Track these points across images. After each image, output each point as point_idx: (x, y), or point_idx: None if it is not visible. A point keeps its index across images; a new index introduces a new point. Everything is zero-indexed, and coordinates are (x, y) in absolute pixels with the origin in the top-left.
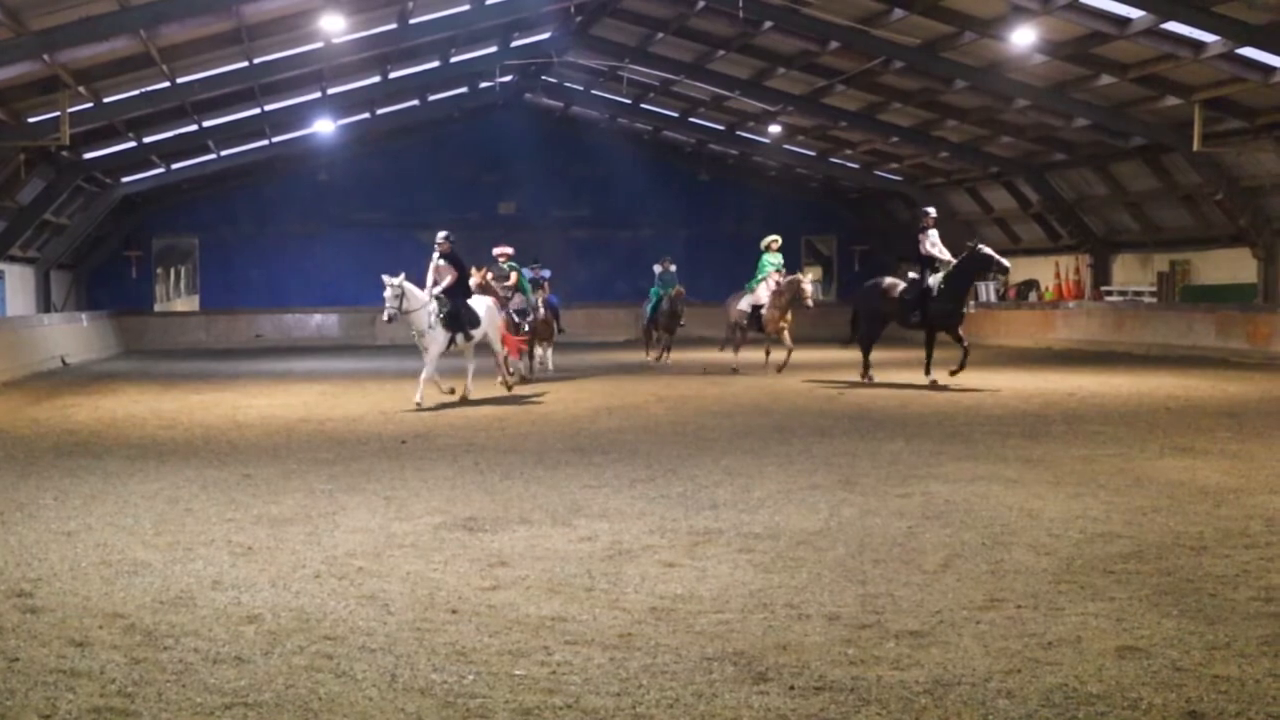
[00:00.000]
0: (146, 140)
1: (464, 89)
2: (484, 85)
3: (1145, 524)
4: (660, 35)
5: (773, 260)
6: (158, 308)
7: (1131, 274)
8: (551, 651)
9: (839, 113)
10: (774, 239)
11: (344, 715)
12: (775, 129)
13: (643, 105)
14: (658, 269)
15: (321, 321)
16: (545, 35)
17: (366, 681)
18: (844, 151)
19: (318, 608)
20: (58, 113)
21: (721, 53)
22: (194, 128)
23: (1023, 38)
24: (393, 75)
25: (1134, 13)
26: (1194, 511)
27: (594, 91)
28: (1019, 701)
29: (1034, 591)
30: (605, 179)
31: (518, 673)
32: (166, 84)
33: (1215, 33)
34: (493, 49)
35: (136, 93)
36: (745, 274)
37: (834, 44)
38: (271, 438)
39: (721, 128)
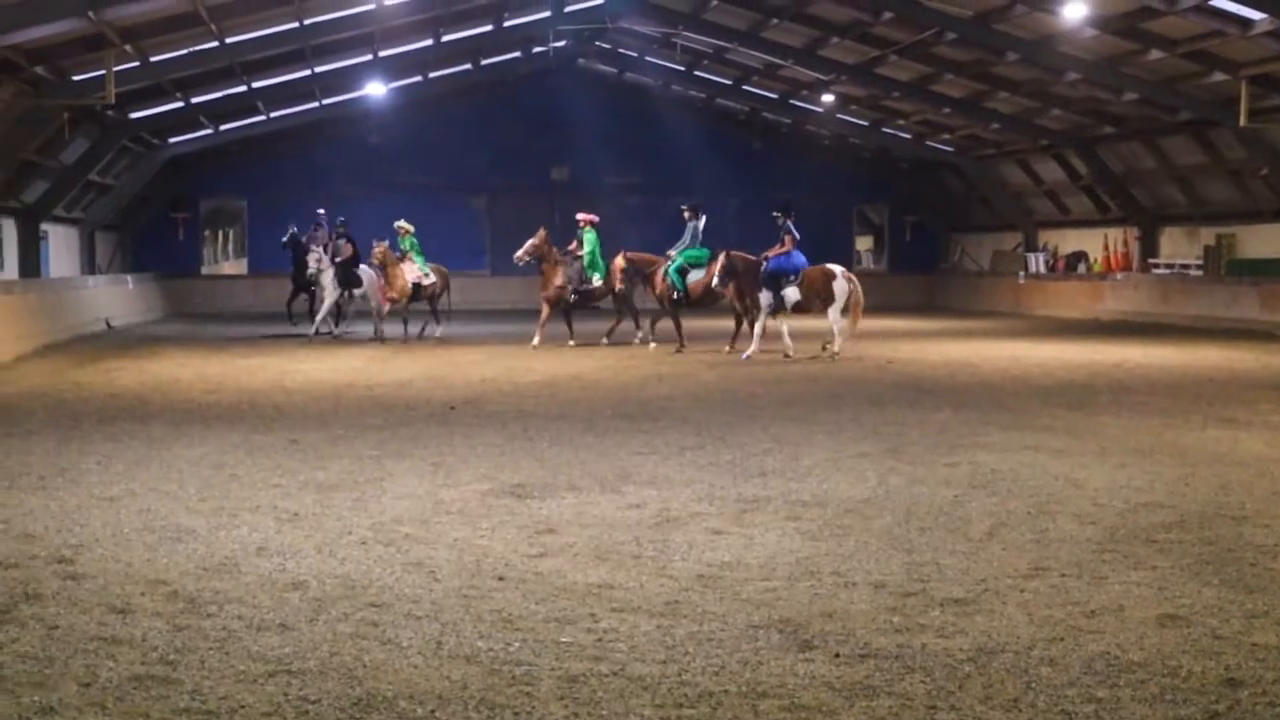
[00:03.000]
0: (194, 100)
1: (517, 53)
2: (537, 50)
3: (1188, 494)
4: (714, 2)
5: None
6: (205, 270)
7: (1178, 247)
8: (598, 619)
9: (891, 83)
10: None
11: (389, 683)
12: (828, 98)
13: (696, 72)
14: (693, 220)
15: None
16: (600, 1)
17: (412, 649)
18: (896, 122)
19: (363, 574)
20: (103, 71)
21: (775, 21)
22: (243, 88)
23: (1074, 11)
24: (445, 39)
25: None
26: (1236, 482)
27: (648, 58)
28: (1061, 669)
29: (1078, 560)
30: (658, 146)
31: (564, 640)
32: (215, 44)
33: (1263, 10)
34: (546, 13)
35: (184, 52)
36: (803, 242)
37: (887, 14)
38: (319, 403)
39: (775, 96)
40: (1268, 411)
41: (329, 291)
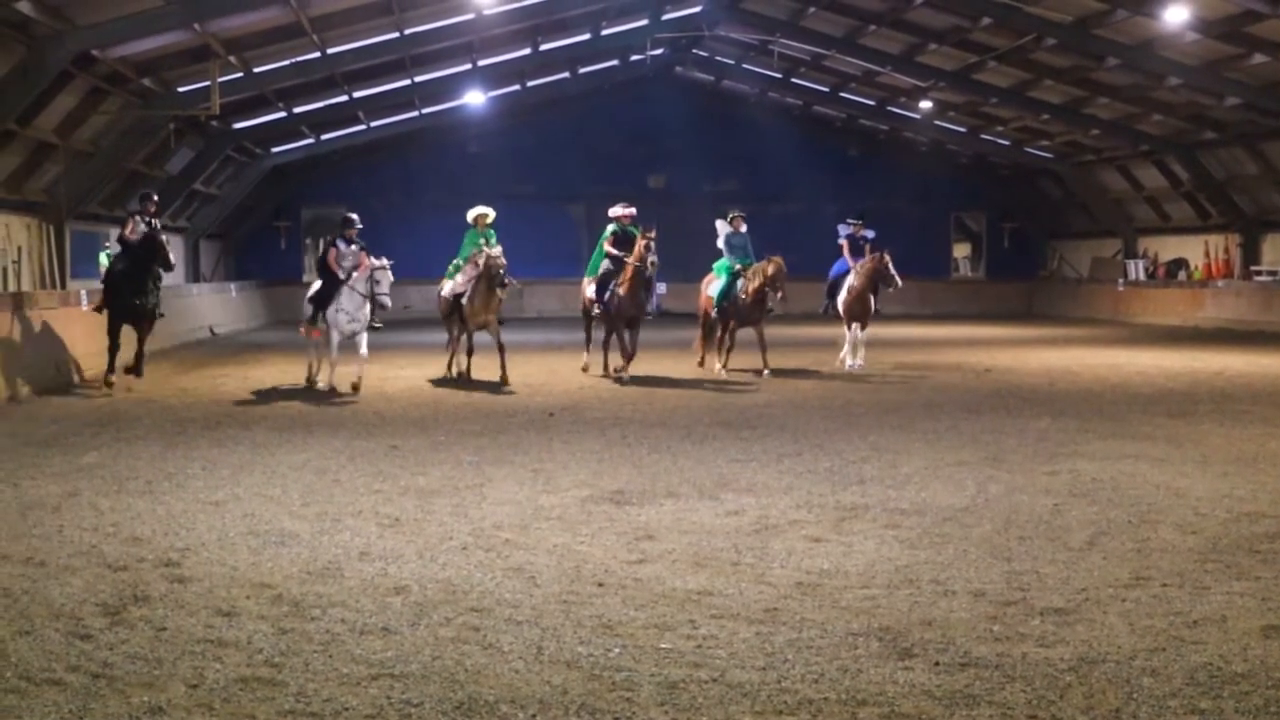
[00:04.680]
0: (296, 110)
1: (614, 62)
2: (634, 58)
3: None
4: (811, 9)
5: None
6: (306, 278)
7: None
8: (697, 625)
9: (990, 89)
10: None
11: (490, 687)
12: (926, 105)
13: (793, 79)
14: (725, 229)
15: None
16: (697, 8)
17: (513, 653)
18: (994, 128)
19: (464, 579)
20: (207, 82)
21: (873, 27)
22: (344, 98)
23: (1175, 15)
24: (543, 47)
25: None
26: None
27: (744, 65)
28: (1163, 680)
29: (1179, 570)
30: (754, 153)
31: (663, 646)
32: (317, 54)
33: None
34: (644, 21)
35: (287, 63)
36: (897, 248)
37: (986, 20)
38: (418, 409)
39: (872, 103)
40: None
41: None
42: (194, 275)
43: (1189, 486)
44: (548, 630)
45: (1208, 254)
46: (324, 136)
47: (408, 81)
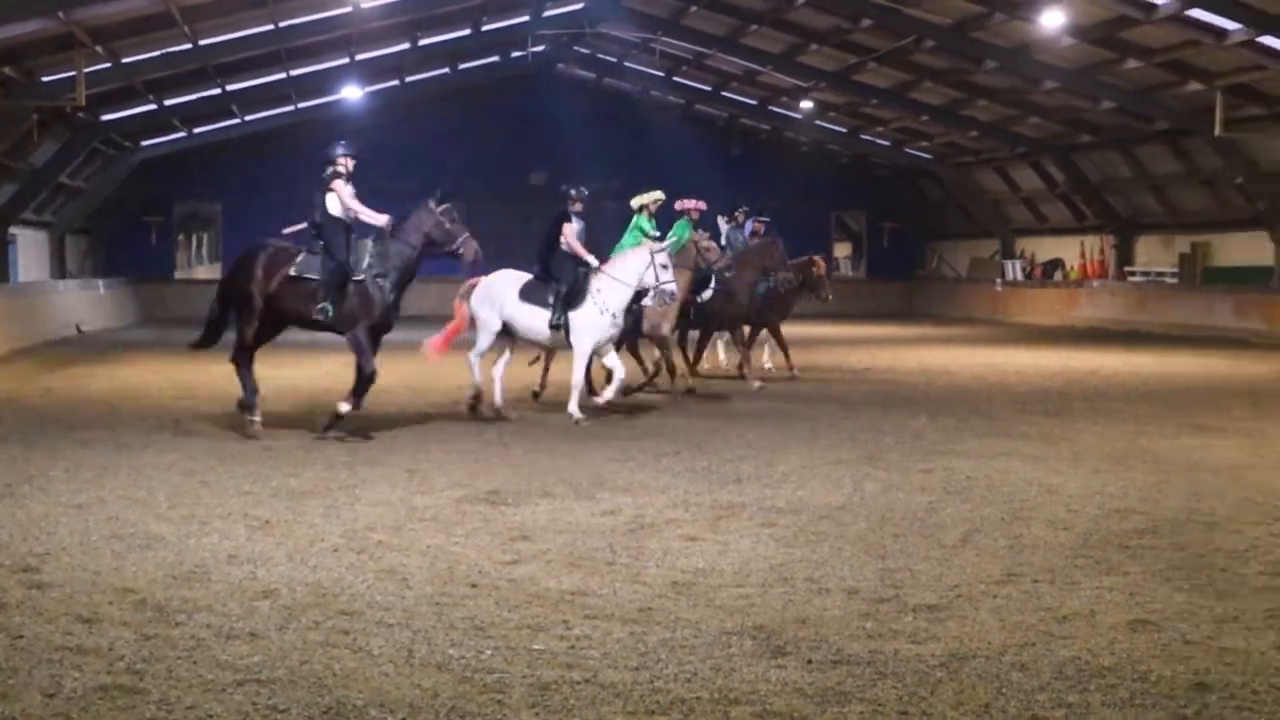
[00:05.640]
0: (168, 103)
1: (495, 58)
2: (516, 54)
3: (1161, 500)
4: (693, 8)
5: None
6: (178, 275)
7: (1154, 255)
8: (571, 626)
9: (870, 90)
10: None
11: (359, 691)
12: (807, 105)
13: (675, 78)
14: (725, 226)
15: None
16: (579, 5)
17: (383, 657)
18: (875, 128)
19: (335, 582)
20: (73, 72)
21: (754, 27)
22: (217, 91)
23: (1051, 20)
24: (423, 42)
25: None
26: (1208, 488)
27: (627, 63)
28: (1032, 674)
29: (1050, 566)
30: (637, 151)
31: (536, 647)
32: (188, 45)
33: (1237, 20)
34: (525, 18)
35: (157, 53)
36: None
37: (866, 21)
38: (293, 409)
39: (753, 102)
40: (1241, 418)
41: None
42: (59, 271)
43: (1061, 484)
44: (419, 633)
45: (1083, 255)
46: (196, 130)
47: (283, 75)
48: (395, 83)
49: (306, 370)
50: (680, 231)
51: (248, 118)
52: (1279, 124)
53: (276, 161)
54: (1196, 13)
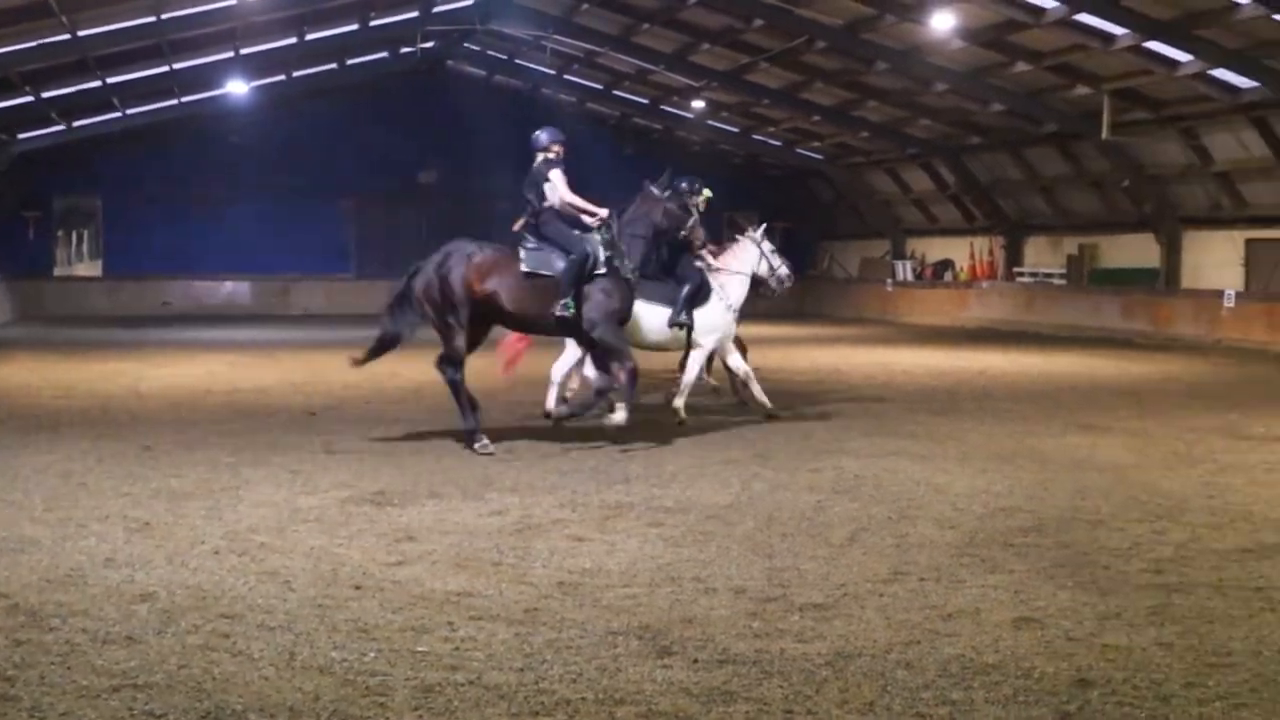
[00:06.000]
0: (45, 95)
1: (384, 53)
2: (405, 51)
3: (1046, 499)
4: (585, 5)
5: None
6: (57, 272)
7: (1042, 256)
8: (455, 627)
9: (762, 90)
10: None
11: (238, 695)
12: (699, 104)
13: (566, 76)
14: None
15: (233, 289)
16: (469, 1)
17: (264, 660)
18: (766, 129)
19: (215, 585)
20: None
21: (646, 26)
22: (97, 84)
23: (942, 22)
24: (310, 37)
25: (1048, 3)
26: (1093, 487)
27: (518, 61)
28: (917, 672)
29: (936, 564)
30: (528, 150)
31: (420, 649)
32: (67, 36)
33: (1124, 25)
34: (414, 14)
35: (33, 44)
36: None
37: (758, 21)
38: (175, 409)
39: (646, 102)
40: (1126, 418)
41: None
42: None
43: (949, 482)
44: (301, 635)
45: (973, 255)
46: (76, 123)
47: (166, 68)
48: (282, 78)
49: (187, 369)
50: None
51: (129, 111)
52: (1164, 128)
53: (160, 156)
54: (1084, 17)
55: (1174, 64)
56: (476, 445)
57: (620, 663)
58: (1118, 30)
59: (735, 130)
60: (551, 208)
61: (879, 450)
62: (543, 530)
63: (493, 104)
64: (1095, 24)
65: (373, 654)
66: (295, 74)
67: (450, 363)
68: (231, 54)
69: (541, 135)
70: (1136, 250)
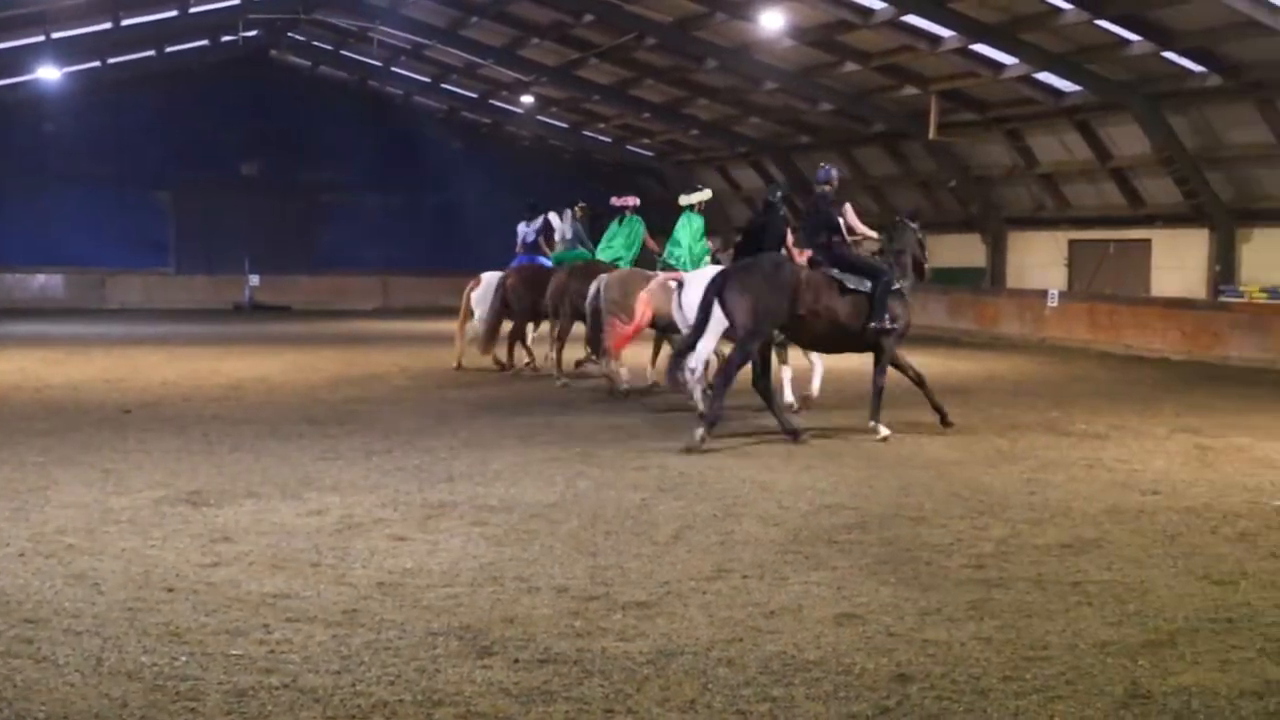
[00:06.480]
0: None
1: (205, 41)
2: (227, 39)
3: (870, 495)
4: None
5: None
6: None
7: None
8: (271, 630)
9: (592, 86)
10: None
11: (42, 703)
12: (528, 99)
13: (394, 69)
14: (559, 222)
15: (45, 282)
16: None
17: (69, 666)
18: (597, 125)
19: (20, 588)
20: None
21: (475, 19)
22: None
23: (772, 21)
24: (125, 22)
25: (877, 3)
26: (917, 483)
27: (343, 52)
28: (738, 669)
29: (760, 561)
30: (354, 143)
31: (234, 652)
32: None
33: (951, 28)
34: (235, 1)
35: None
36: (498, 244)
37: (588, 17)
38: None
39: (475, 95)
40: (950, 415)
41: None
42: None
43: (774, 480)
44: (109, 640)
45: (802, 253)
46: None
47: None
48: (96, 64)
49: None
50: (634, 226)
51: None
52: (990, 130)
53: None
54: (912, 19)
55: (1000, 67)
56: (800, 437)
57: (440, 664)
58: (945, 32)
59: (565, 126)
60: (840, 235)
61: (705, 448)
62: (363, 530)
63: (318, 96)
64: (923, 26)
65: (184, 658)
66: (111, 60)
67: (745, 364)
68: (42, 38)
69: (831, 170)
70: (963, 250)
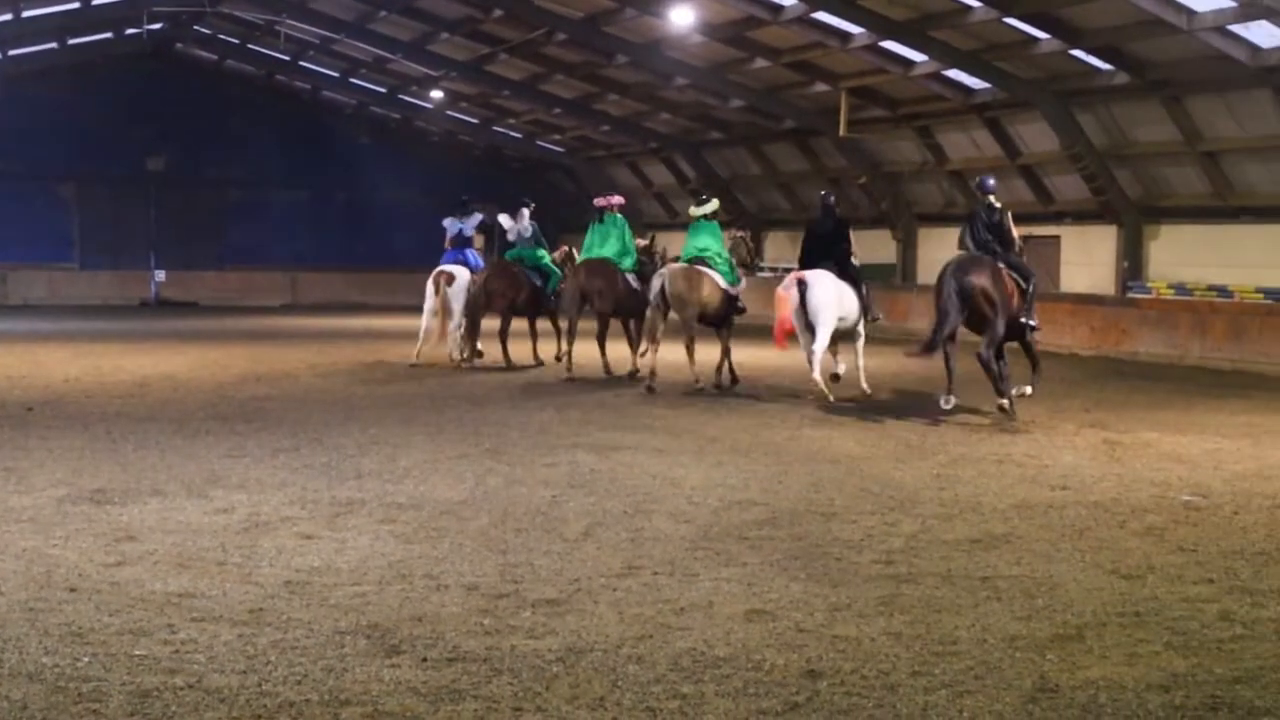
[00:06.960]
0: None
1: (109, 34)
2: (131, 31)
3: (781, 492)
4: None
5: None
6: None
7: (783, 250)
8: (176, 629)
9: (502, 81)
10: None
11: None
12: (438, 94)
13: (302, 63)
14: (507, 220)
15: None
16: None
17: None
18: (507, 120)
19: None
20: None
21: (384, 13)
22: None
23: (682, 17)
24: (26, 14)
25: (786, 0)
26: (827, 479)
27: (250, 46)
28: (648, 666)
29: (671, 558)
30: (262, 138)
31: (138, 653)
32: None
33: (861, 25)
34: None
35: None
36: (406, 239)
37: (498, 11)
38: None
39: (383, 90)
40: (859, 412)
41: None
42: None
43: (684, 476)
44: (9, 641)
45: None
46: None
47: None
48: None
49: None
50: (622, 225)
51: None
52: (900, 126)
53: None
54: (822, 16)
55: (909, 64)
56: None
57: (347, 663)
58: (855, 29)
59: (475, 121)
60: (1011, 241)
61: (615, 444)
62: (271, 528)
63: (225, 90)
64: (833, 23)
65: (87, 659)
66: (11, 52)
67: (996, 346)
68: None
69: (992, 182)
70: (874, 246)
